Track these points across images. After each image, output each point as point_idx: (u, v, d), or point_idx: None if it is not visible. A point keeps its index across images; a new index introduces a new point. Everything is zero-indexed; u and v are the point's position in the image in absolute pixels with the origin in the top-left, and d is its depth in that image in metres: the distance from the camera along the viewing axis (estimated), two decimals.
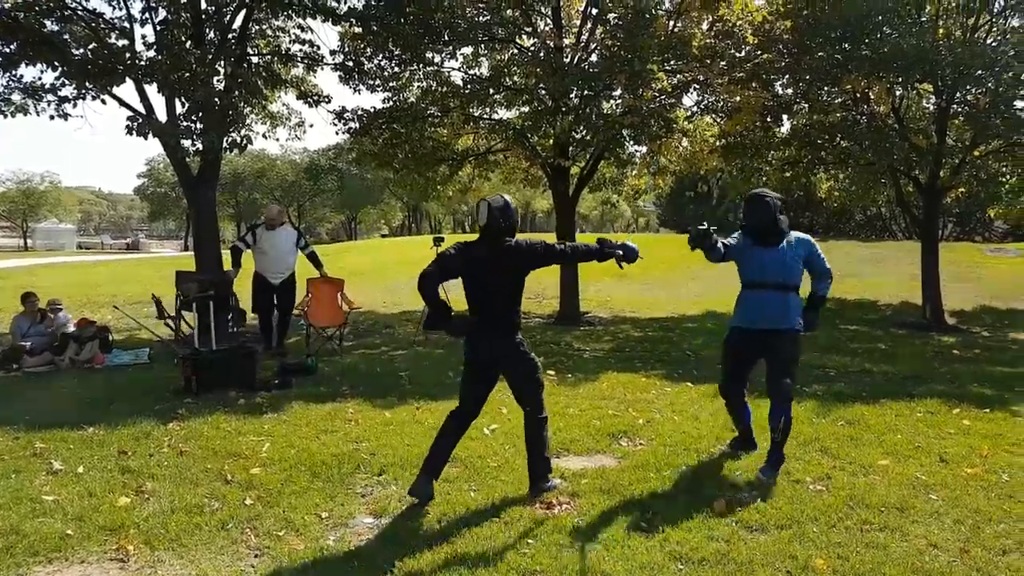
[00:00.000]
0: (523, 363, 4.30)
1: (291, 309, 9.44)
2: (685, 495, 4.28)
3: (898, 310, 15.16)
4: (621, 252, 4.31)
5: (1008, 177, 13.55)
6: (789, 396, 4.64)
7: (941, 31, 12.16)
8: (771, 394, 4.67)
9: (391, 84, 12.70)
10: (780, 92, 13.37)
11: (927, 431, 5.70)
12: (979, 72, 11.29)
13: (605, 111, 12.10)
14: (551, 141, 12.25)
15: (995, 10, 12.40)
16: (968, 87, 11.98)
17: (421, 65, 12.35)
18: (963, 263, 19.52)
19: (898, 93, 13.10)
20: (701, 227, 4.51)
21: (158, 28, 10.44)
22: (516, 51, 12.55)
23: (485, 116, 13.37)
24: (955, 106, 12.71)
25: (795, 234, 4.83)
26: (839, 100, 13.14)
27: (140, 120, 10.11)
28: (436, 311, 4.20)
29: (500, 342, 4.22)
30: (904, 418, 6.09)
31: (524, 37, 12.75)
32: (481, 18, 11.78)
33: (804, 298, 4.85)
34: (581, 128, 11.74)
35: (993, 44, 11.75)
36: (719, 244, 4.59)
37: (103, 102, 10.52)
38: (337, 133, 13.10)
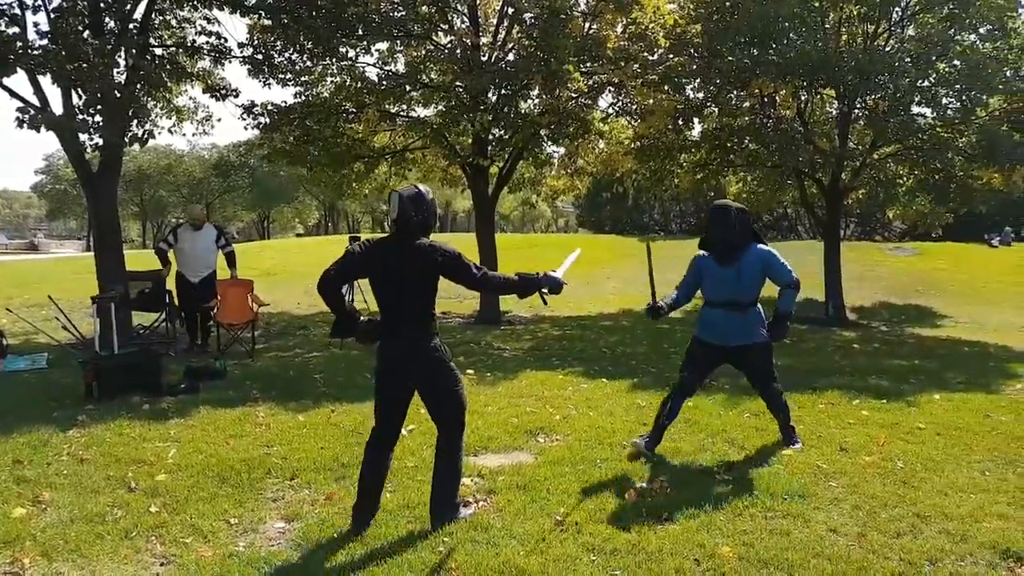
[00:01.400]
0: (438, 374, 3.77)
1: (213, 305, 9.50)
2: (599, 488, 4.35)
3: (802, 306, 15.77)
4: (545, 288, 3.87)
5: (905, 179, 14.36)
6: (781, 395, 5.17)
7: (844, 38, 12.81)
8: (767, 399, 5.15)
9: (303, 79, 12.42)
10: (691, 96, 13.78)
11: (828, 422, 5.98)
12: (879, 77, 11.92)
13: (523, 111, 12.19)
14: (470, 140, 12.26)
15: (894, 19, 13.12)
16: (869, 92, 12.64)
17: (334, 60, 12.12)
18: (864, 261, 20.59)
19: (803, 97, 13.69)
20: (655, 306, 4.85)
21: (52, 16, 9.88)
22: (432, 48, 12.48)
23: (402, 113, 13.25)
24: (856, 110, 13.41)
25: (757, 247, 4.89)
26: (747, 104, 13.64)
27: (32, 112, 9.54)
28: (340, 316, 3.78)
29: (411, 348, 3.72)
30: (807, 409, 6.37)
31: (440, 34, 12.69)
32: (396, 13, 11.66)
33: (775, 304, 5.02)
34: (500, 126, 11.79)
35: (891, 51, 12.43)
36: (669, 303, 4.92)
37: None
38: (246, 128, 12.70)
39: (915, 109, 12.96)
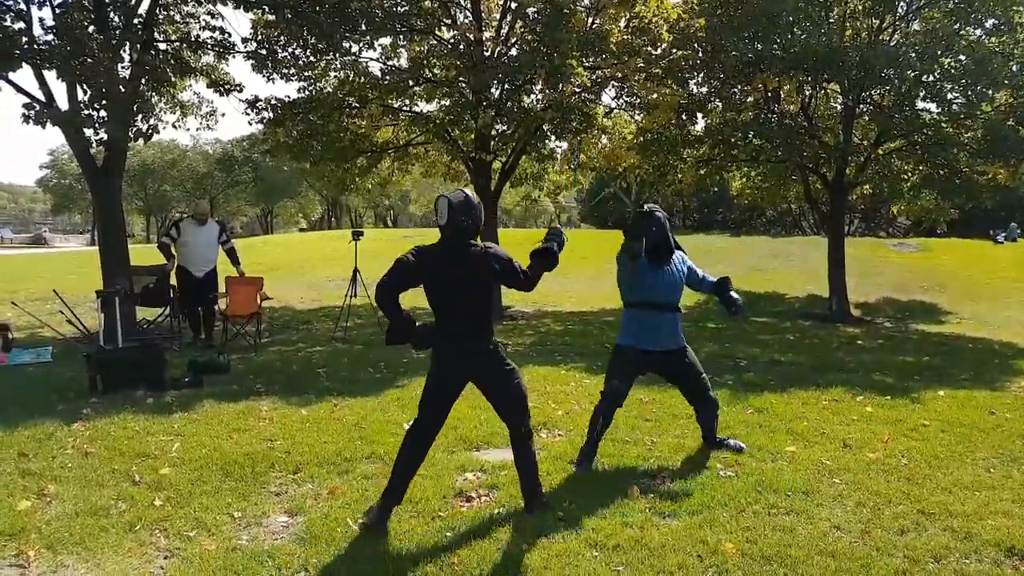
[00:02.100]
0: (501, 375, 3.85)
1: (215, 301, 9.64)
2: (601, 484, 4.35)
3: (805, 303, 15.82)
4: (555, 247, 3.93)
5: (910, 175, 14.31)
6: (717, 405, 5.06)
7: (848, 32, 12.75)
8: (702, 409, 4.98)
9: (306, 73, 12.41)
10: (695, 90, 13.74)
11: (832, 418, 5.96)
12: (884, 72, 11.87)
13: (526, 105, 12.17)
14: (472, 135, 12.23)
15: (899, 13, 13.07)
16: (873, 87, 12.59)
17: (338, 55, 12.11)
18: (868, 257, 20.54)
19: (807, 92, 13.65)
20: (637, 244, 4.50)
21: (57, 11, 9.88)
22: (435, 43, 12.46)
23: (405, 108, 13.24)
24: (861, 105, 13.35)
25: (677, 252, 4.91)
26: (751, 99, 13.60)
27: (38, 108, 9.55)
28: (398, 325, 3.71)
29: (472, 355, 3.79)
30: (810, 406, 6.36)
31: (443, 29, 12.67)
32: (399, 8, 11.64)
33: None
34: (502, 122, 11.77)
35: (896, 46, 12.38)
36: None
37: None
38: (250, 123, 12.73)
39: (920, 104, 12.93)
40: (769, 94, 13.40)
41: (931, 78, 12.15)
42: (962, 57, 11.89)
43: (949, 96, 12.42)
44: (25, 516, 3.88)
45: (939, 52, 11.84)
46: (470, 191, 3.83)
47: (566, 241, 4.06)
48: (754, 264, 20.59)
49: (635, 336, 4.75)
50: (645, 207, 4.95)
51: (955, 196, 14.34)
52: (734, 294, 4.95)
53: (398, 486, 3.80)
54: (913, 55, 11.76)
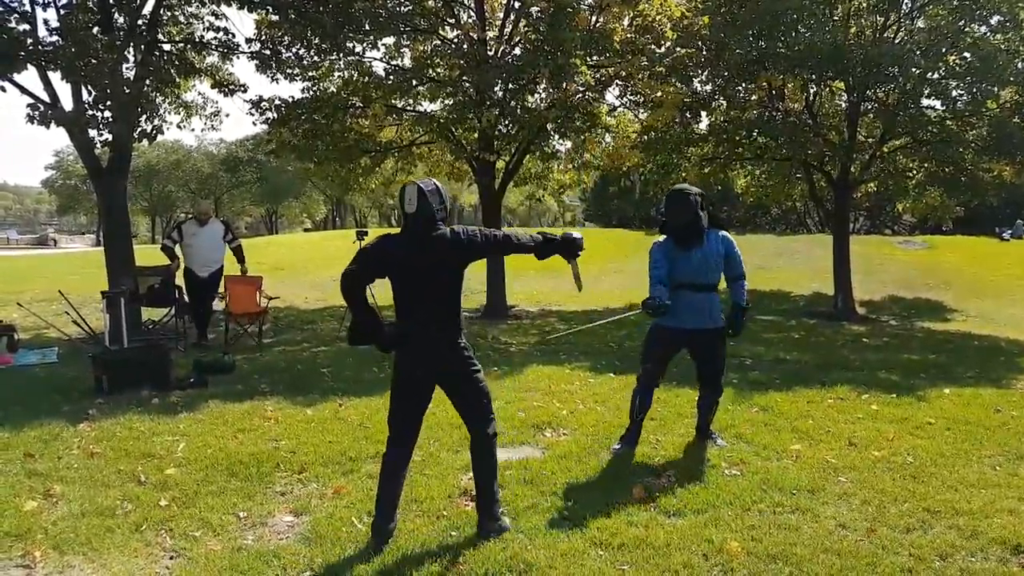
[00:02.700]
0: (468, 373, 3.66)
1: (214, 299, 9.65)
2: (606, 483, 4.35)
3: (811, 301, 15.79)
4: (565, 249, 3.82)
5: (915, 172, 14.27)
6: (721, 392, 5.14)
7: (853, 30, 12.71)
8: (707, 389, 5.06)
9: (310, 74, 12.45)
10: (699, 88, 13.72)
11: (837, 416, 5.95)
12: (888, 70, 11.84)
13: (530, 105, 12.16)
14: (476, 135, 12.23)
15: (903, 10, 13.02)
16: (878, 84, 12.55)
17: (341, 55, 12.13)
18: (873, 255, 20.49)
19: (812, 90, 13.62)
20: (657, 302, 4.59)
21: (62, 12, 9.91)
22: (439, 42, 12.46)
23: (408, 108, 13.25)
24: (865, 103, 13.32)
25: (718, 232, 4.88)
26: (755, 97, 13.57)
27: (42, 109, 9.59)
28: (364, 319, 3.53)
29: (441, 353, 3.58)
30: (816, 404, 6.34)
31: (447, 28, 12.68)
32: (403, 8, 11.65)
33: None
34: (506, 122, 11.76)
35: (901, 43, 12.34)
36: (662, 294, 4.66)
37: (3, 90, 9.92)
38: (254, 123, 12.76)
39: (925, 102, 12.89)
40: (773, 92, 13.38)
41: (936, 75, 12.11)
42: (967, 54, 11.85)
43: (954, 93, 12.37)
44: (31, 517, 3.89)
45: (944, 49, 11.80)
46: (436, 181, 3.68)
47: (579, 250, 3.86)
48: (759, 262, 20.54)
49: (669, 315, 4.77)
50: (675, 186, 5.06)
51: (960, 193, 14.31)
52: (739, 325, 5.03)
53: (380, 506, 3.60)
54: (918, 52, 11.72)
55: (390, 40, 12.83)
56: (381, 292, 3.54)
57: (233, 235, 9.87)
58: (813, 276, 18.19)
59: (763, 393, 6.69)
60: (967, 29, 12.06)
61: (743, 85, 13.29)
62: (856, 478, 4.46)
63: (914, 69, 11.62)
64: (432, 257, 3.50)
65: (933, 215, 16.86)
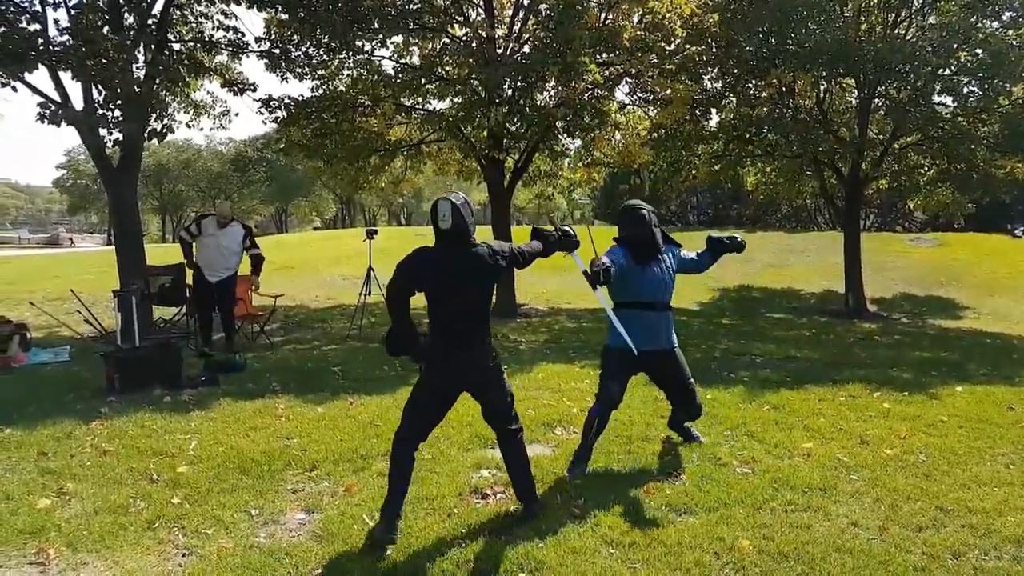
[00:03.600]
0: (498, 379, 3.80)
1: (233, 307, 9.02)
2: (616, 481, 4.35)
3: (821, 298, 15.73)
4: (563, 246, 3.99)
5: (926, 169, 14.18)
6: (699, 412, 4.93)
7: (863, 26, 12.64)
8: (689, 413, 4.90)
9: (319, 72, 12.46)
10: (709, 86, 13.67)
11: (849, 414, 5.92)
12: (899, 67, 11.76)
13: (539, 103, 12.15)
14: (485, 133, 12.23)
15: (914, 7, 12.94)
16: (888, 81, 12.47)
17: (350, 53, 12.14)
18: (884, 252, 20.37)
19: (822, 87, 13.55)
20: (602, 267, 4.20)
21: (72, 12, 9.98)
22: (448, 41, 12.46)
23: (417, 106, 13.26)
24: (876, 100, 13.24)
25: (670, 248, 4.75)
26: (766, 94, 13.52)
27: (53, 108, 9.65)
28: (405, 333, 3.62)
29: (475, 365, 3.68)
30: (827, 402, 6.31)
31: (456, 27, 12.67)
32: (411, 6, 11.66)
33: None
34: (515, 120, 11.75)
35: (912, 40, 12.26)
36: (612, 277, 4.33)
37: (14, 89, 9.99)
38: (264, 122, 12.81)
39: (936, 98, 12.80)
40: (784, 89, 13.31)
41: (947, 72, 12.03)
42: (979, 50, 11.76)
43: (966, 90, 12.29)
44: (45, 514, 3.92)
45: (955, 45, 11.72)
46: (464, 194, 3.73)
47: (576, 247, 3.98)
48: (769, 260, 20.47)
49: (630, 337, 4.50)
50: (628, 202, 4.84)
51: (972, 191, 14.20)
52: (726, 240, 4.83)
53: (390, 503, 3.61)
54: (929, 49, 11.65)
55: (399, 38, 12.85)
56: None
57: (253, 242, 9.07)
58: (824, 273, 18.11)
59: (774, 391, 6.66)
60: (979, 25, 11.97)
61: (753, 82, 13.25)
62: (868, 476, 4.44)
63: (925, 66, 11.55)
64: (468, 273, 3.61)
65: (944, 212, 16.72)
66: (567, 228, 3.97)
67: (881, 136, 13.81)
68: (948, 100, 12.91)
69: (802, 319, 12.79)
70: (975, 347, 9.97)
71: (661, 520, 3.76)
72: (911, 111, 12.14)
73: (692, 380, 4.79)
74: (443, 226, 3.58)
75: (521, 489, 3.84)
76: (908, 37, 12.55)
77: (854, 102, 14.21)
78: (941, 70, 11.89)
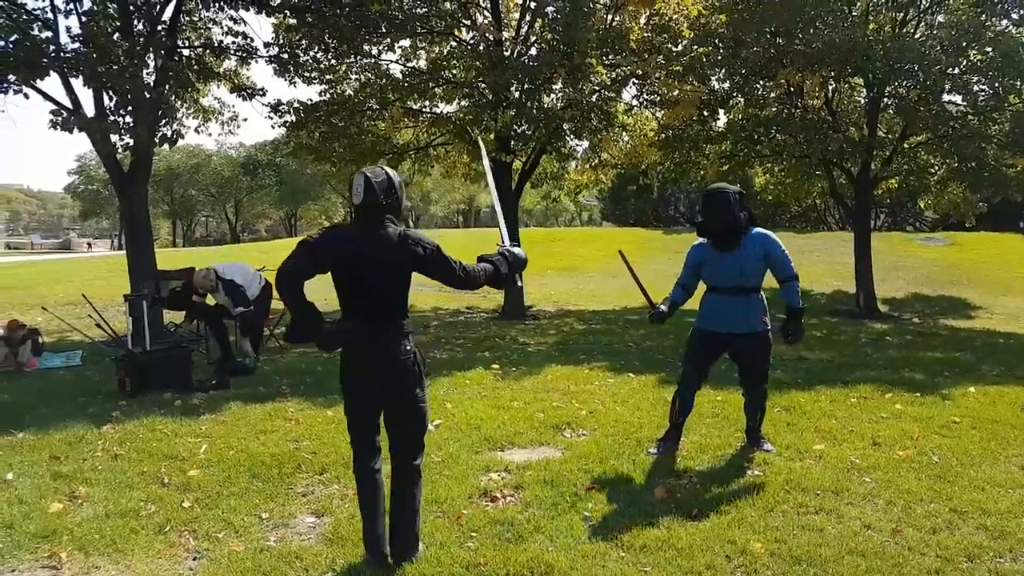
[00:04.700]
0: (409, 389, 3.33)
1: (260, 316, 8.48)
2: (627, 484, 4.33)
3: (832, 299, 15.65)
4: (512, 273, 3.54)
5: (937, 168, 14.09)
6: (766, 396, 4.96)
7: (872, 26, 12.58)
8: (749, 396, 4.92)
9: (328, 77, 12.53)
10: (717, 86, 13.65)
11: (861, 416, 5.88)
12: (908, 66, 11.70)
13: (546, 105, 12.16)
14: (492, 135, 12.25)
15: (923, 6, 12.87)
16: (898, 80, 12.41)
17: (358, 57, 12.21)
18: (895, 252, 20.27)
19: (831, 87, 13.49)
20: (657, 311, 4.80)
21: (83, 19, 10.06)
22: (455, 44, 12.49)
23: (425, 109, 13.29)
24: (885, 99, 13.17)
25: (755, 231, 4.68)
26: (774, 94, 13.47)
27: (65, 114, 9.73)
28: (302, 318, 3.24)
29: (386, 355, 3.28)
30: (839, 403, 6.27)
31: (463, 30, 12.70)
32: (419, 9, 11.70)
33: (779, 294, 4.84)
34: (522, 122, 11.76)
35: (921, 39, 12.19)
36: (671, 303, 4.85)
37: (26, 96, 10.10)
38: (273, 127, 12.98)
39: (946, 97, 12.72)
40: (792, 89, 13.26)
41: (957, 70, 11.96)
42: (989, 49, 11.69)
43: (976, 88, 12.23)
44: (57, 518, 3.94)
45: (965, 44, 11.64)
46: (394, 172, 3.35)
47: (524, 267, 3.61)
48: None
49: (704, 318, 4.80)
50: (711, 186, 4.93)
51: (983, 189, 14.10)
52: (796, 328, 4.85)
53: (367, 533, 3.36)
54: (938, 48, 11.58)
55: (406, 42, 12.90)
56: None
57: (244, 299, 8.03)
58: (834, 274, 18.03)
59: (785, 392, 6.62)
60: (989, 23, 11.90)
61: (761, 83, 13.20)
62: (881, 478, 4.40)
63: (935, 65, 11.47)
64: (377, 254, 3.21)
65: (955, 211, 16.63)
66: (514, 249, 3.54)
67: (891, 135, 13.73)
68: (958, 99, 12.85)
69: (812, 320, 12.71)
70: (988, 347, 9.88)
71: (672, 523, 3.74)
72: (921, 110, 12.08)
73: (764, 367, 4.85)
74: (355, 201, 3.27)
75: (400, 536, 3.35)
76: (917, 36, 12.49)
77: (863, 101, 14.15)
78: (951, 69, 11.83)
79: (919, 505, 3.99)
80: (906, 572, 3.25)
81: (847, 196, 15.68)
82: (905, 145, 13.45)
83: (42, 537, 3.72)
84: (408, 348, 3.32)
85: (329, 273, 3.30)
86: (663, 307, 4.84)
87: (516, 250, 3.55)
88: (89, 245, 54.20)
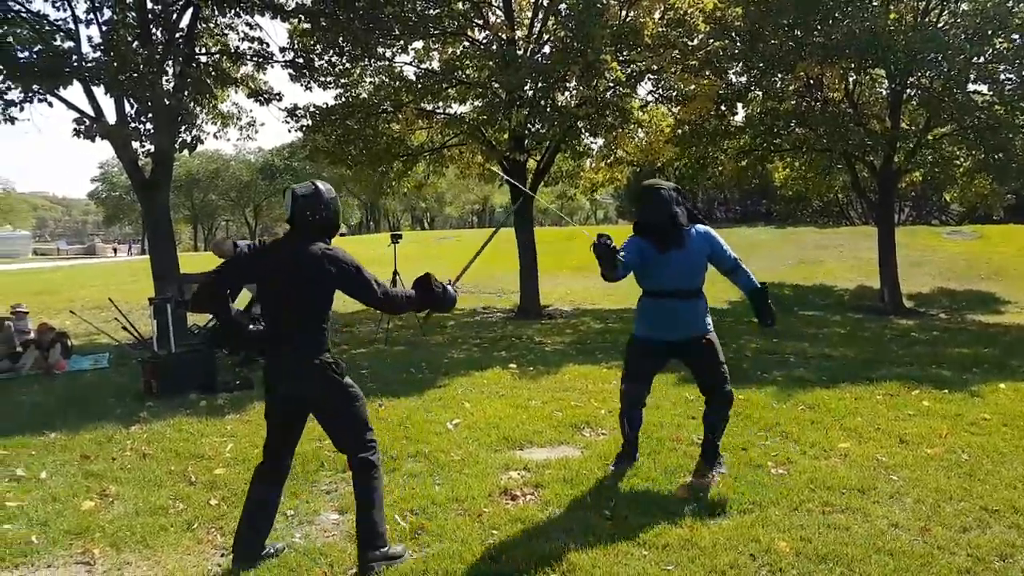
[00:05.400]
0: (334, 395, 3.34)
1: None
2: (647, 482, 4.29)
3: (855, 295, 15.46)
4: (436, 307, 3.52)
5: (963, 160, 13.86)
6: (731, 400, 4.42)
7: (893, 15, 12.39)
8: (712, 401, 4.40)
9: (343, 80, 12.59)
10: (734, 80, 13.52)
11: (887, 413, 5.79)
12: (931, 56, 11.51)
13: (560, 103, 12.12)
14: (506, 135, 12.24)
15: None
16: (921, 71, 12.22)
17: (372, 60, 12.27)
18: (920, 247, 19.97)
19: (851, 79, 13.32)
20: (610, 243, 3.82)
21: (104, 29, 10.20)
22: (468, 44, 12.50)
23: (439, 111, 13.31)
24: (908, 90, 12.98)
25: (699, 228, 4.29)
26: (793, 87, 13.33)
27: (88, 122, 9.88)
28: (224, 325, 3.34)
29: (302, 369, 3.28)
30: (864, 401, 6.19)
31: (475, 30, 12.70)
32: (431, 11, 11.72)
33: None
34: (536, 121, 11.74)
35: (945, 28, 11.99)
36: (620, 263, 3.95)
37: (50, 104, 10.26)
38: (290, 131, 13.02)
39: (971, 87, 12.51)
40: (811, 82, 13.11)
41: (982, 59, 11.75)
42: (1015, 36, 11.48)
43: (1002, 77, 12.00)
44: (89, 515, 4.01)
45: (990, 32, 11.44)
46: (323, 184, 3.38)
47: (450, 307, 3.55)
48: (801, 256, 20.20)
49: (648, 327, 4.34)
50: (645, 182, 4.49)
51: (1011, 181, 13.85)
52: (768, 310, 4.35)
53: (246, 533, 3.38)
54: (963, 36, 11.39)
55: (419, 44, 12.94)
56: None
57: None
58: (857, 269, 17.81)
59: (809, 390, 6.55)
60: (1015, 10, 11.68)
61: (779, 76, 13.05)
62: (908, 476, 4.33)
63: (959, 54, 11.28)
64: (294, 269, 3.25)
65: (983, 204, 16.38)
66: (450, 289, 3.50)
67: (914, 127, 13.53)
68: (984, 88, 12.62)
69: (835, 316, 12.59)
70: (1018, 343, 9.72)
71: (694, 522, 3.70)
72: (945, 101, 11.89)
73: (724, 368, 4.36)
74: (285, 216, 3.37)
75: (360, 534, 3.29)
76: (940, 25, 12.29)
77: (885, 93, 13.96)
78: (976, 58, 11.62)
79: (948, 504, 3.92)
80: (936, 571, 3.19)
81: (870, 190, 15.50)
82: (929, 137, 13.24)
83: (75, 534, 3.79)
84: (324, 359, 3.31)
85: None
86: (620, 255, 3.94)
87: (450, 290, 3.50)
88: (115, 250, 54.98)
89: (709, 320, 4.38)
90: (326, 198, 3.33)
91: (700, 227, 4.30)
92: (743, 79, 13.53)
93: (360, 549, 3.28)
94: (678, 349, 4.35)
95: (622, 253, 3.95)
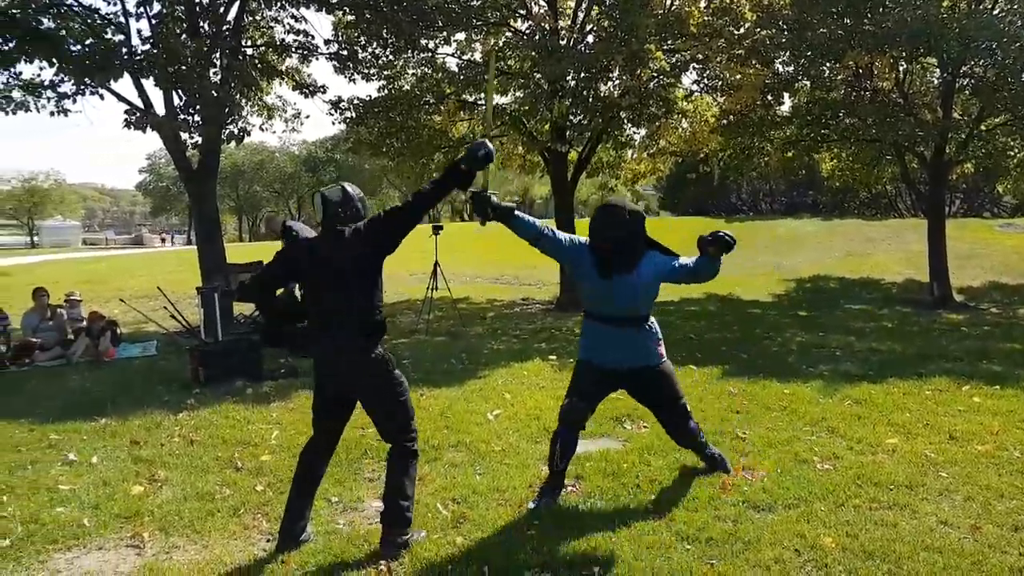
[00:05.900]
0: (381, 385, 3.45)
1: None
2: (690, 476, 4.26)
3: (904, 288, 15.11)
4: (469, 164, 3.45)
5: (1017, 151, 13.43)
6: (697, 436, 4.20)
7: (946, 2, 12.01)
8: (678, 440, 4.24)
9: (386, 72, 12.66)
10: (781, 69, 13.27)
11: (936, 409, 5.67)
12: (985, 44, 11.14)
13: (603, 94, 12.03)
14: (548, 126, 12.19)
15: None
16: (974, 60, 11.84)
17: (415, 52, 12.30)
18: (971, 240, 19.41)
19: (902, 68, 12.97)
20: (478, 191, 3.66)
21: (153, 22, 10.42)
22: (510, 34, 12.46)
23: (480, 102, 13.32)
24: (961, 79, 12.59)
25: (652, 254, 3.93)
26: (841, 76, 13.02)
27: (138, 114, 10.11)
28: (270, 322, 3.48)
29: (353, 357, 3.41)
30: (912, 396, 6.06)
31: (518, 20, 12.66)
32: (475, 2, 11.71)
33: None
34: (578, 112, 11.67)
35: (1000, 14, 11.59)
36: (528, 219, 3.85)
37: (101, 97, 10.51)
38: (333, 123, 13.14)
39: None
40: (860, 71, 12.80)
41: None
42: None
43: None
44: (139, 500, 4.13)
45: None
46: (351, 186, 3.56)
47: (484, 156, 3.42)
48: (848, 248, 19.78)
49: (591, 350, 4.06)
50: (607, 200, 4.21)
51: None
52: (708, 237, 3.72)
53: (295, 501, 3.52)
54: (1019, 23, 10.99)
55: (461, 35, 12.94)
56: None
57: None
58: (906, 262, 17.39)
59: (856, 385, 6.44)
60: None
61: (828, 65, 12.75)
62: (958, 473, 4.24)
63: (1015, 42, 10.88)
64: (339, 257, 3.40)
65: None
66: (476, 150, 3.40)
67: (966, 117, 13.13)
68: None
69: (883, 310, 12.31)
70: None
71: (738, 516, 3.68)
72: (999, 90, 11.51)
73: (684, 400, 4.14)
74: (317, 219, 3.54)
75: (386, 517, 3.42)
76: (995, 12, 11.87)
77: (936, 82, 13.57)
78: None
79: (999, 501, 3.83)
80: (986, 570, 3.13)
81: (919, 181, 15.09)
82: (982, 127, 12.83)
83: (125, 518, 3.91)
84: (379, 353, 3.46)
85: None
86: (492, 195, 3.74)
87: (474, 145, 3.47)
88: (163, 240, 56.29)
89: (662, 349, 4.08)
90: (353, 195, 3.53)
91: (656, 253, 3.95)
92: (790, 68, 13.25)
93: (384, 531, 3.41)
94: (626, 378, 4.05)
95: (563, 236, 3.92)
